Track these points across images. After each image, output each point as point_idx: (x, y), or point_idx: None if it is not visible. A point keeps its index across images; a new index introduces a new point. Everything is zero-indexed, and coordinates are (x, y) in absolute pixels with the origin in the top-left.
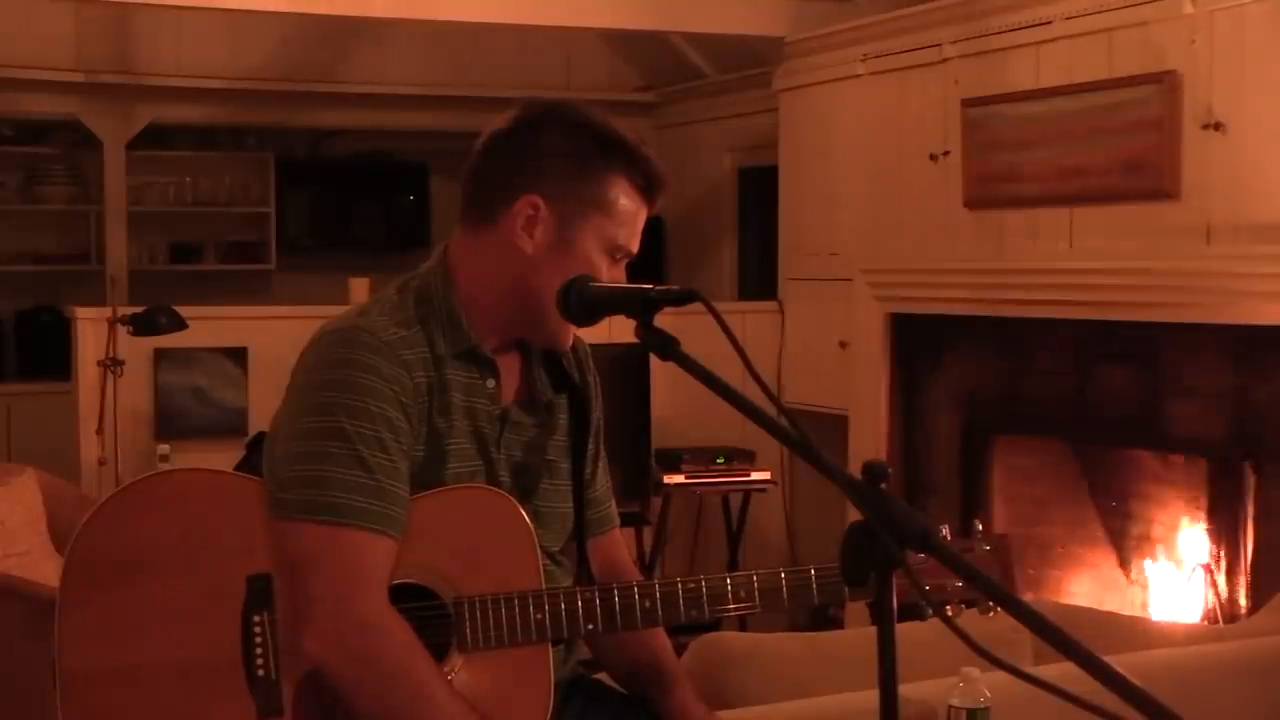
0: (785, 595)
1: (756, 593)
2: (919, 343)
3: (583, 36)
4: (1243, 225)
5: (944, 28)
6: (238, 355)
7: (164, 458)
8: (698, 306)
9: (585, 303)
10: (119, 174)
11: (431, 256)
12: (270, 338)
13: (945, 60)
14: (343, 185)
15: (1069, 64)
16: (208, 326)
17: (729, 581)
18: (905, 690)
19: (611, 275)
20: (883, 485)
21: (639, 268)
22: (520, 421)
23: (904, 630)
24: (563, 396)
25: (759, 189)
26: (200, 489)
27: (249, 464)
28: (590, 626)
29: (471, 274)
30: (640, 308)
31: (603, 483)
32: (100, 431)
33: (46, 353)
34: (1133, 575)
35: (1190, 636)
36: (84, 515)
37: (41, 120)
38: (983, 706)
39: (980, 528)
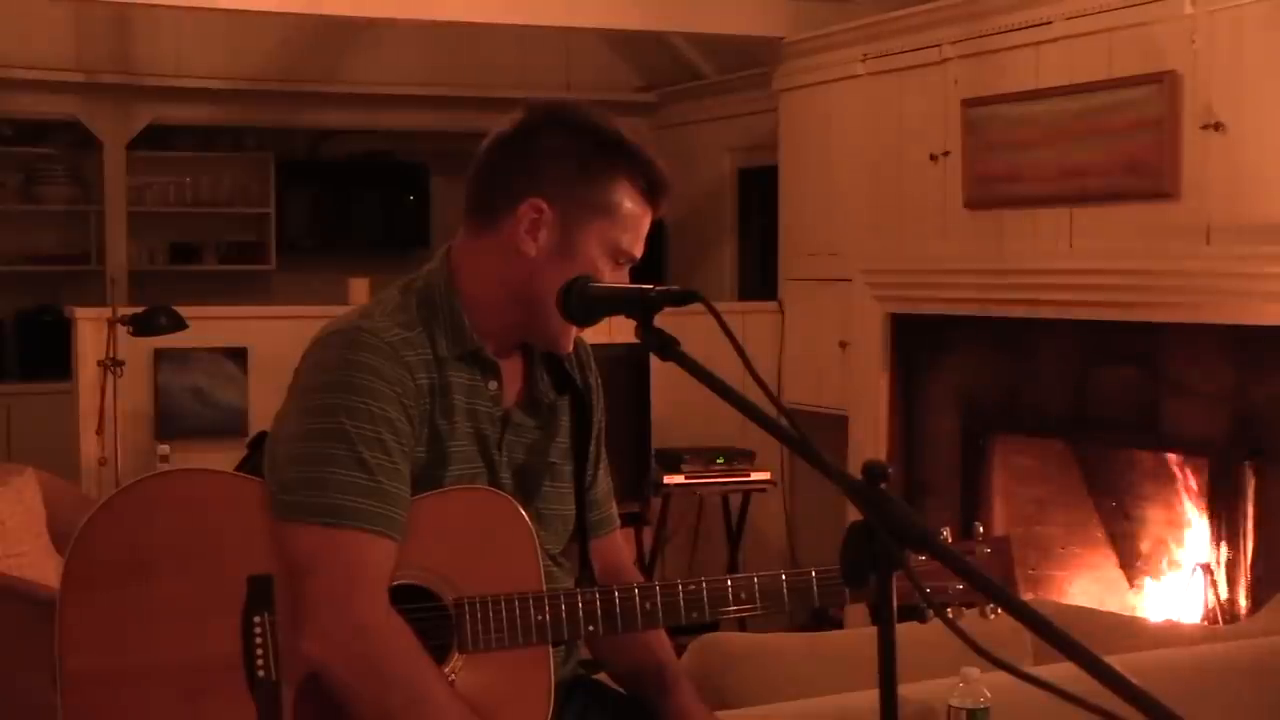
0: (786, 597)
1: (757, 594)
2: (919, 343)
3: (583, 36)
4: (1243, 225)
5: (944, 28)
6: (238, 355)
7: (164, 458)
8: (698, 306)
9: (585, 302)
10: (119, 174)
11: (434, 257)
12: (270, 338)
13: (945, 60)
14: (343, 185)
15: (1069, 64)
16: (208, 326)
17: (730, 583)
18: (905, 690)
19: (614, 279)
20: (882, 485)
21: (639, 268)
22: (522, 423)
23: (904, 630)
24: (565, 398)
25: (759, 189)
26: (200, 489)
27: (250, 464)
28: (591, 628)
29: (474, 276)
30: (640, 308)
31: (604, 485)
32: (100, 431)
33: (46, 353)
34: (1133, 575)
35: (1190, 636)
36: (84, 515)
37: (41, 120)
38: (983, 706)
39: (981, 529)
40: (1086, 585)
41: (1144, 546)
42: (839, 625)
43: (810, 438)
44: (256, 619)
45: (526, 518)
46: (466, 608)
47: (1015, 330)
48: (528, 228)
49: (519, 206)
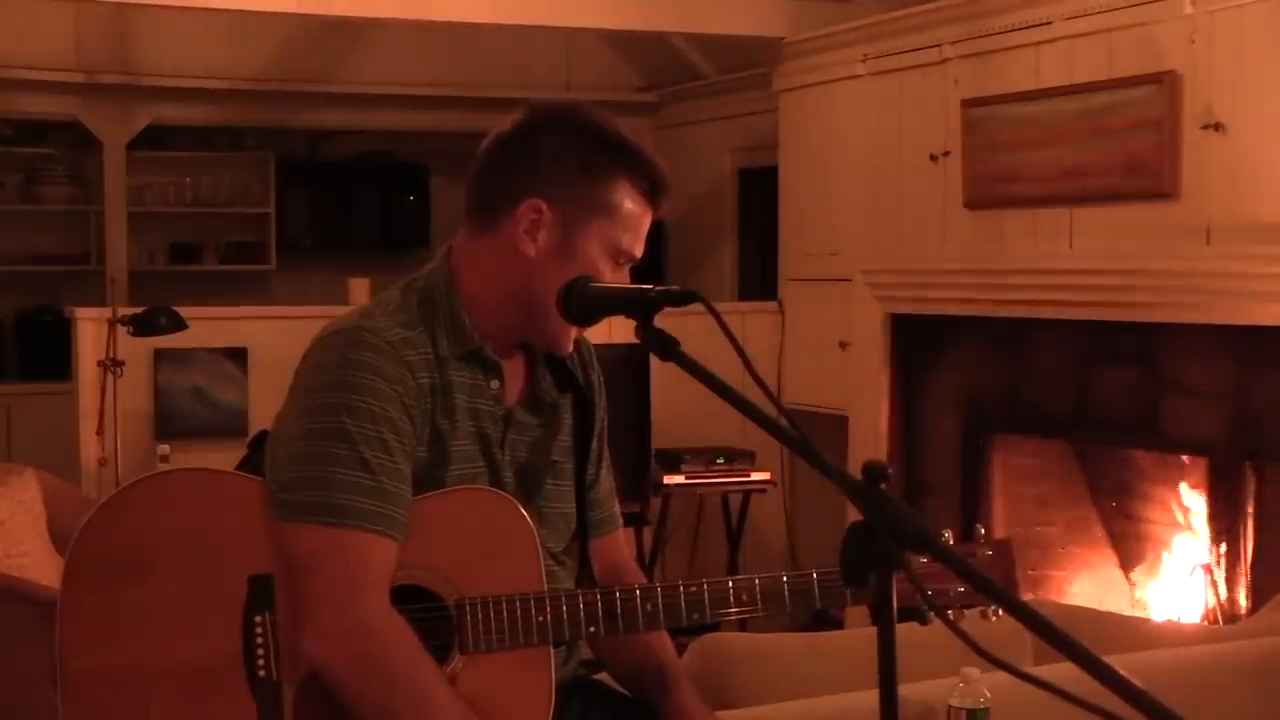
0: (788, 599)
1: (759, 596)
2: (919, 343)
3: (583, 36)
4: (1243, 225)
5: (944, 28)
6: (238, 355)
7: (164, 458)
8: (698, 306)
9: (585, 302)
10: (119, 174)
11: (435, 257)
12: (270, 338)
13: (945, 60)
14: (343, 185)
15: (1069, 64)
16: (208, 326)
17: (731, 585)
18: (905, 690)
19: (614, 279)
20: (882, 485)
21: (639, 268)
22: (525, 422)
23: (904, 631)
24: (567, 396)
25: (759, 189)
26: (200, 489)
27: (251, 463)
28: (592, 629)
29: (474, 276)
30: (640, 308)
31: (606, 483)
32: (100, 432)
33: (46, 353)
34: (1133, 575)
35: (1190, 636)
36: (84, 515)
37: (41, 120)
38: (983, 706)
39: (983, 531)
40: (1086, 585)
41: (1144, 546)
42: (839, 626)
43: (810, 438)
44: (257, 619)
45: (528, 518)
46: (468, 608)
47: (1015, 330)
48: (527, 228)
49: (518, 207)
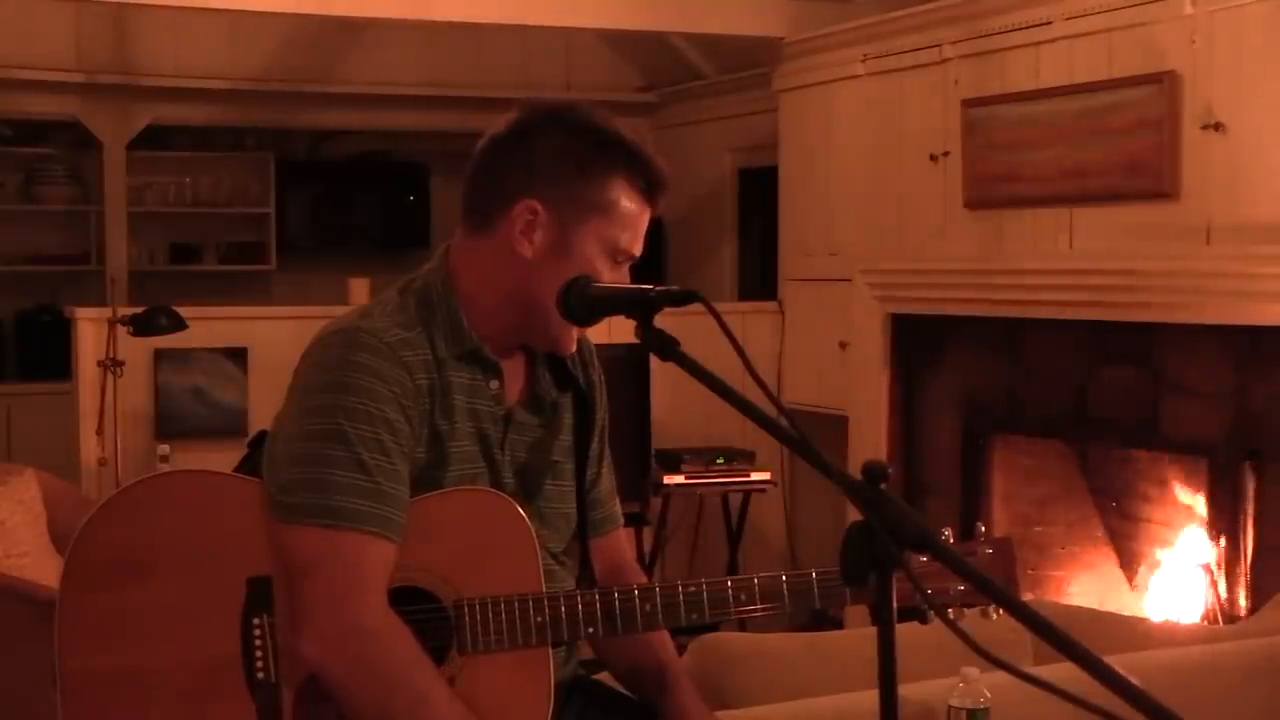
0: (787, 598)
1: (758, 596)
2: (919, 343)
3: (583, 36)
4: (1243, 225)
5: (944, 28)
6: (238, 355)
7: (164, 458)
8: (698, 306)
9: (585, 303)
10: (119, 174)
11: (433, 258)
12: (270, 338)
13: (945, 60)
14: (343, 185)
15: (1069, 64)
16: (208, 326)
17: (730, 585)
18: (905, 690)
19: (613, 278)
20: (882, 485)
21: (639, 268)
22: (525, 422)
23: (904, 630)
24: (567, 395)
25: (759, 189)
26: (200, 490)
27: (251, 462)
28: (590, 630)
29: (472, 277)
30: (640, 308)
31: (607, 483)
32: (100, 432)
33: (46, 353)
34: (1133, 575)
35: (1190, 636)
36: (84, 516)
37: (41, 120)
38: (983, 706)
39: (983, 530)
40: (1086, 585)
41: (1144, 546)
42: (839, 625)
43: (810, 438)
44: (256, 621)
45: (526, 519)
46: (466, 609)
47: (1015, 330)
48: (522, 229)
49: (513, 208)
